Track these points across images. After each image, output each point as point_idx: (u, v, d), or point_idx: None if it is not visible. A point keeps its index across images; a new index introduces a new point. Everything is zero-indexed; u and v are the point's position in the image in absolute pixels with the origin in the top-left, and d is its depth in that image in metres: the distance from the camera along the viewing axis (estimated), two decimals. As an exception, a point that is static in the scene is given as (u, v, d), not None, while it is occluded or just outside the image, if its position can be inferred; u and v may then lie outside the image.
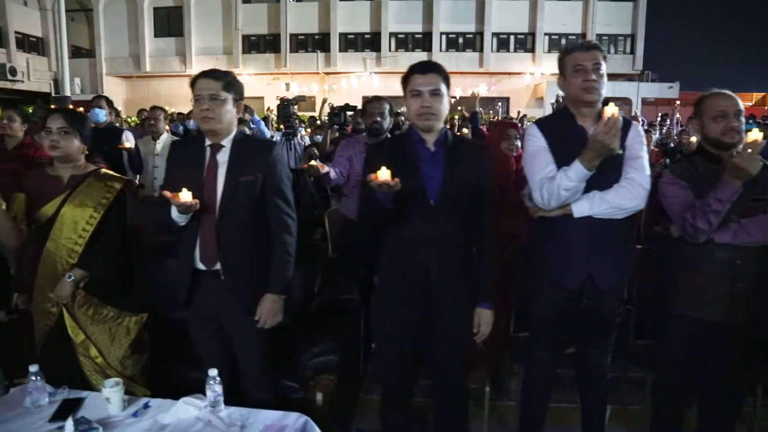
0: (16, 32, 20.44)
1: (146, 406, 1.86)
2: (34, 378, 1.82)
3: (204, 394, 1.82)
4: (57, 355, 2.11)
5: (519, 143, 3.01)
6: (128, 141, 4.58)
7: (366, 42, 23.58)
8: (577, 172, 1.83)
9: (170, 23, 23.23)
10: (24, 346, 2.61)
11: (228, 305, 1.97)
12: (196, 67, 23.21)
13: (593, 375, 2.20)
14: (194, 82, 1.93)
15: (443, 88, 1.83)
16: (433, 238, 1.85)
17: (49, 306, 2.13)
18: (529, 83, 23.64)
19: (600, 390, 2.23)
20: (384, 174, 1.59)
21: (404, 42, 23.63)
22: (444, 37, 23.48)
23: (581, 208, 1.93)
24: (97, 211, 2.10)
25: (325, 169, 2.72)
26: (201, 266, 1.97)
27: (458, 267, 1.90)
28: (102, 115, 4.48)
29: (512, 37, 23.76)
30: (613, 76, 24.00)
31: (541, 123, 2.10)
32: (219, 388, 1.79)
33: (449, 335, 1.95)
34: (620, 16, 23.60)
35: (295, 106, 4.47)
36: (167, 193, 1.79)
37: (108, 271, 2.12)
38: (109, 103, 4.62)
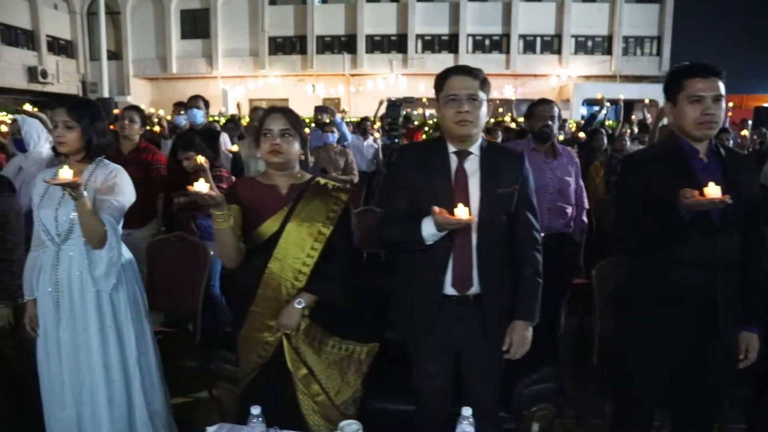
0: (47, 35, 20.54)
1: (379, 451, 1.64)
2: (255, 420, 1.58)
3: None
4: (269, 391, 1.82)
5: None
6: (226, 144, 4.42)
7: (392, 44, 23.41)
8: None
9: (197, 25, 23.14)
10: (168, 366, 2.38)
11: (476, 334, 1.75)
12: (223, 69, 23.18)
13: None
14: (444, 79, 1.69)
15: (723, 92, 1.68)
16: (717, 257, 1.67)
17: (267, 335, 1.84)
18: (556, 85, 23.38)
19: None
20: (715, 190, 1.41)
21: (431, 44, 23.45)
22: (470, 38, 23.28)
23: None
24: (326, 226, 1.83)
25: None
26: (451, 291, 1.73)
27: (740, 289, 1.72)
28: (200, 116, 4.25)
29: (539, 39, 23.52)
30: (639, 78, 23.84)
31: None
32: (472, 429, 1.58)
33: (721, 363, 1.76)
34: (647, 18, 23.32)
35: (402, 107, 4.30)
36: (436, 209, 1.54)
37: (339, 296, 1.84)
38: (206, 103, 4.39)
